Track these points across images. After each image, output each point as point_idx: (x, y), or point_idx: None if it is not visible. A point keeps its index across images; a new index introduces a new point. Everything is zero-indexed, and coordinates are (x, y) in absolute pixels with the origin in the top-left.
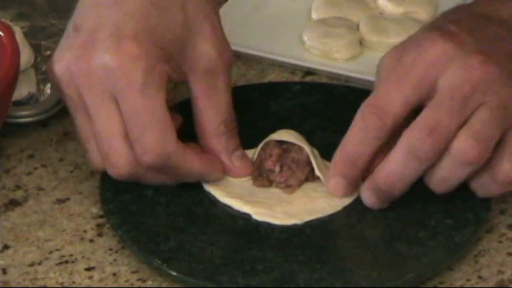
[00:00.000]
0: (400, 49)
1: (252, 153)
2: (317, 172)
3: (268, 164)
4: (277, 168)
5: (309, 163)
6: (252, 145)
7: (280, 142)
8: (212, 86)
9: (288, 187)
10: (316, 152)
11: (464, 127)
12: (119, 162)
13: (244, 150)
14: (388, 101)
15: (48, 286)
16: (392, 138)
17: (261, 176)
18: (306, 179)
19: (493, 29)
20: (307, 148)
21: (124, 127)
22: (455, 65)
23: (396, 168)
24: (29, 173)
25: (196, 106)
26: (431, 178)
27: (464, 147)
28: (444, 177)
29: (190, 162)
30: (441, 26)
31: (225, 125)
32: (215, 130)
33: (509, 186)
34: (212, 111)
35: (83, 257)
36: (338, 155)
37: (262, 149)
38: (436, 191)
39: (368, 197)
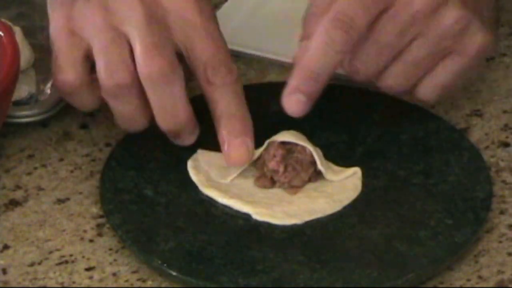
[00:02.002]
0: None
1: (255, 155)
2: (319, 166)
3: (272, 164)
4: (281, 169)
5: (312, 163)
6: None
7: (284, 143)
8: None
9: (292, 188)
10: (319, 151)
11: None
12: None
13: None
14: (352, 15)
15: (48, 286)
16: None
17: (263, 176)
18: (309, 180)
19: None
20: (310, 147)
21: None
22: None
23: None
24: (29, 173)
25: None
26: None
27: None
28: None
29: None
30: None
31: None
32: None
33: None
34: None
35: (83, 257)
36: (299, 71)
37: (265, 149)
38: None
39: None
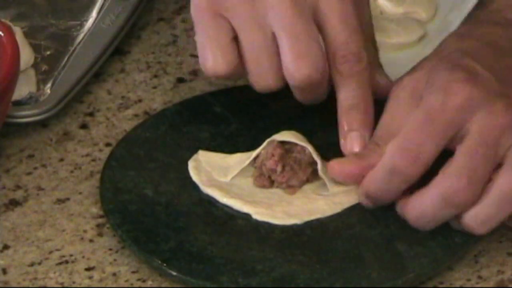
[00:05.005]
0: (416, 80)
1: (254, 154)
2: (320, 173)
3: (270, 163)
4: (279, 168)
5: (311, 163)
6: (252, 145)
7: (283, 143)
8: None
9: (290, 188)
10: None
11: (503, 167)
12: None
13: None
14: (420, 147)
15: (48, 286)
16: None
17: (262, 176)
18: (307, 180)
19: (508, 60)
20: (310, 148)
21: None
22: (482, 111)
23: (430, 211)
24: (29, 173)
25: None
26: (471, 220)
27: (506, 181)
28: (485, 219)
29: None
30: (462, 62)
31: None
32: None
33: None
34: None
35: (83, 257)
36: (365, 184)
37: (264, 149)
38: (475, 232)
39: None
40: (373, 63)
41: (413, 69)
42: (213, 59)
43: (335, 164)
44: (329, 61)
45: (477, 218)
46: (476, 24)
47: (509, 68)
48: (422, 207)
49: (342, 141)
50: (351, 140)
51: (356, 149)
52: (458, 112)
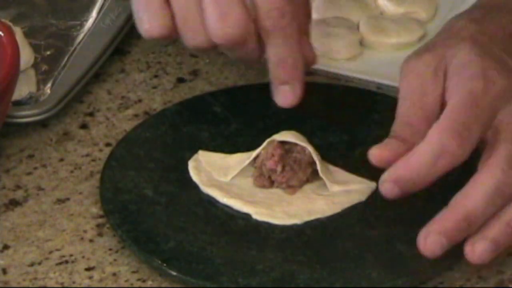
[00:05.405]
0: (439, 56)
1: (254, 154)
2: (320, 173)
3: (270, 163)
4: (279, 168)
5: (311, 163)
6: (252, 145)
7: (283, 143)
8: None
9: (290, 188)
10: (318, 155)
11: None
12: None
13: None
14: (468, 128)
15: (48, 286)
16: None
17: (262, 176)
18: (307, 180)
19: None
20: (310, 148)
21: None
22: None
23: (480, 205)
24: (29, 173)
25: None
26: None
27: None
28: None
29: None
30: (489, 51)
31: (304, 7)
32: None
33: None
34: None
35: (83, 257)
36: (400, 169)
37: (264, 149)
38: None
39: (437, 241)
40: (303, 30)
41: (431, 45)
42: (148, 22)
43: (375, 151)
44: (256, 20)
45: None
46: (486, 8)
47: None
48: (473, 200)
49: (274, 95)
50: (283, 93)
51: (289, 101)
52: (495, 100)
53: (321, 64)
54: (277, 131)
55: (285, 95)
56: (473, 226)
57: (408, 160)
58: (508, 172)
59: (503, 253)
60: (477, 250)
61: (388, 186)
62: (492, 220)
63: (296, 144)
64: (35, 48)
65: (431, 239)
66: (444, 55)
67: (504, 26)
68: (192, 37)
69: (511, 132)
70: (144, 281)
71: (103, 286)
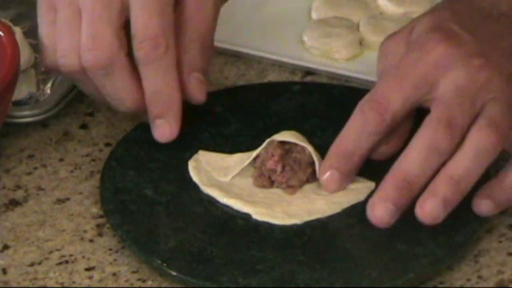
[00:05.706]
0: (402, 39)
1: (254, 154)
2: (318, 174)
3: (270, 164)
4: (279, 168)
5: (311, 163)
6: (252, 145)
7: (283, 143)
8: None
9: (290, 188)
10: (318, 155)
11: (478, 119)
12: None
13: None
14: (388, 98)
15: (48, 286)
16: (389, 137)
17: (262, 176)
18: (307, 180)
19: (492, 26)
20: (310, 148)
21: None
22: (457, 67)
23: (416, 163)
24: (29, 173)
25: (182, 10)
26: (450, 176)
27: (481, 135)
28: (463, 173)
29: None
30: (443, 25)
31: (201, 43)
32: (190, 43)
33: None
34: (199, 18)
35: (83, 257)
36: (334, 148)
37: (264, 149)
38: (458, 187)
39: (383, 208)
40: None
41: (405, 26)
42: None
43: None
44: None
45: (457, 169)
46: None
47: (494, 31)
48: (407, 162)
49: (151, 129)
50: (157, 127)
51: (165, 136)
52: (431, 68)
53: (321, 64)
54: (277, 131)
55: (159, 130)
56: (415, 186)
57: (337, 139)
58: (439, 129)
59: (503, 253)
60: (426, 208)
61: (328, 175)
62: (436, 177)
63: (296, 144)
64: (35, 48)
65: (378, 208)
66: (411, 31)
67: (475, 4)
68: (66, 55)
69: (447, 96)
70: (144, 281)
71: (103, 286)
